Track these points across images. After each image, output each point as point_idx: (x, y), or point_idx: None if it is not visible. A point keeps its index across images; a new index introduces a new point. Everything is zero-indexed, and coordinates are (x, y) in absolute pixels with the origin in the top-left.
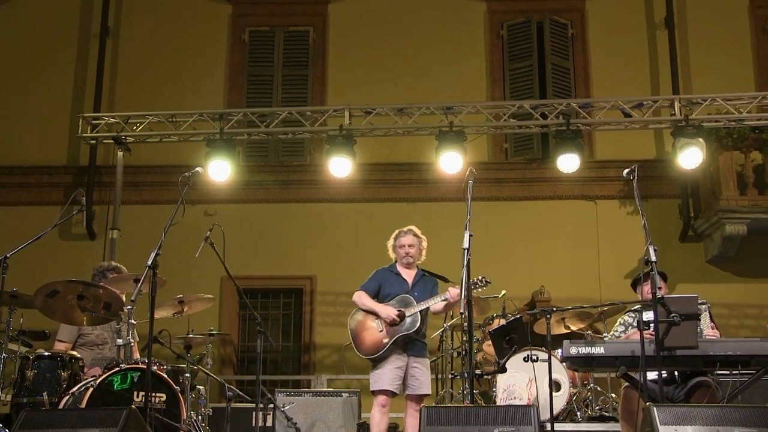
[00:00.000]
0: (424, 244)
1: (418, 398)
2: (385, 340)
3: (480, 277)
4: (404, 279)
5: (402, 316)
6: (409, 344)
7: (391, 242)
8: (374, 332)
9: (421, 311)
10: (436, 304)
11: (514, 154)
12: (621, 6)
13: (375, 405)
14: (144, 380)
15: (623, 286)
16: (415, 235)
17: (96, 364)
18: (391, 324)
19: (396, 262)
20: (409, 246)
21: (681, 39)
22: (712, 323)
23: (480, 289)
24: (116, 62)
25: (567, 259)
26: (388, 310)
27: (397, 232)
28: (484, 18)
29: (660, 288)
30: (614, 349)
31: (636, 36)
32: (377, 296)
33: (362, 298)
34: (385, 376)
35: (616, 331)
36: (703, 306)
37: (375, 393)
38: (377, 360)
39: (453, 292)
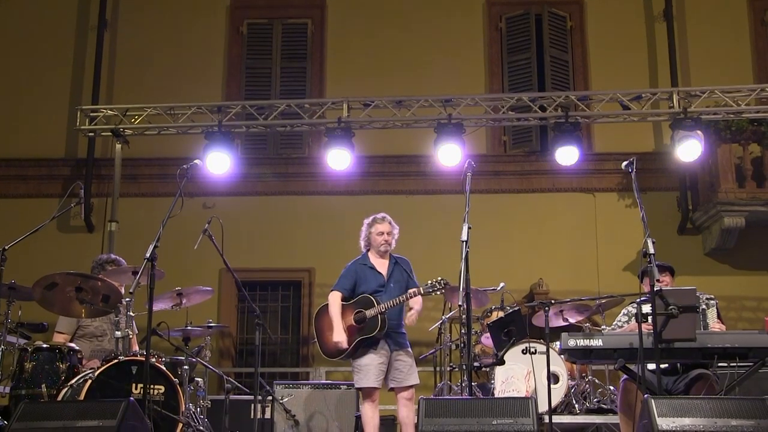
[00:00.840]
0: (396, 231)
1: (406, 388)
2: (349, 342)
3: (438, 279)
4: (379, 272)
5: (362, 319)
6: (391, 337)
7: (365, 230)
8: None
9: (382, 312)
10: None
11: (512, 147)
12: None
13: (365, 402)
14: (143, 372)
15: (622, 278)
16: (391, 222)
17: (95, 356)
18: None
19: (367, 252)
20: (387, 234)
21: (680, 31)
22: (718, 319)
23: (437, 293)
24: (114, 54)
25: (565, 251)
26: (338, 338)
27: (371, 219)
28: (483, 10)
29: (659, 281)
30: (612, 341)
31: (634, 28)
32: (353, 292)
33: (333, 304)
34: (371, 374)
35: (619, 321)
36: (712, 302)
37: (361, 390)
38: (351, 357)
39: (415, 306)
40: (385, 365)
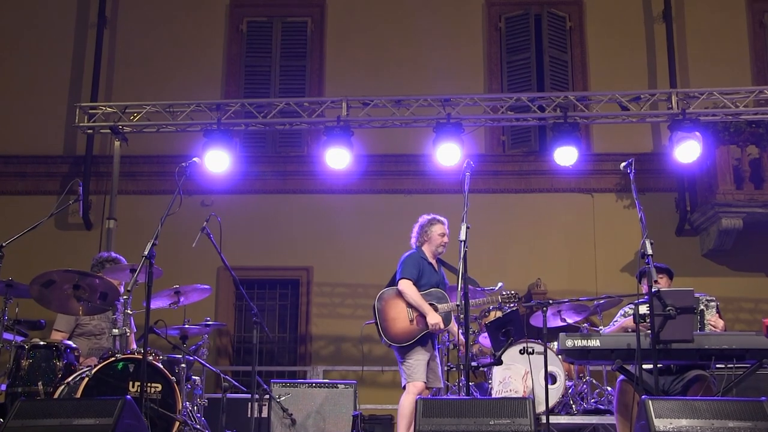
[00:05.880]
0: None
1: (430, 389)
2: (416, 332)
3: (510, 292)
4: (436, 269)
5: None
6: (434, 337)
7: (423, 227)
8: (404, 320)
9: (454, 309)
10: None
11: (511, 147)
12: None
13: (410, 394)
14: (140, 370)
15: (619, 279)
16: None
17: (92, 354)
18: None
19: (420, 248)
20: (446, 236)
21: (678, 32)
22: (717, 313)
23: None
24: (113, 52)
25: (563, 252)
26: (437, 320)
27: (432, 218)
28: (482, 10)
29: (656, 282)
30: (610, 342)
31: (634, 29)
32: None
33: (413, 291)
34: (422, 369)
35: (617, 322)
36: (712, 303)
37: (412, 384)
38: (404, 349)
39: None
40: (427, 363)
